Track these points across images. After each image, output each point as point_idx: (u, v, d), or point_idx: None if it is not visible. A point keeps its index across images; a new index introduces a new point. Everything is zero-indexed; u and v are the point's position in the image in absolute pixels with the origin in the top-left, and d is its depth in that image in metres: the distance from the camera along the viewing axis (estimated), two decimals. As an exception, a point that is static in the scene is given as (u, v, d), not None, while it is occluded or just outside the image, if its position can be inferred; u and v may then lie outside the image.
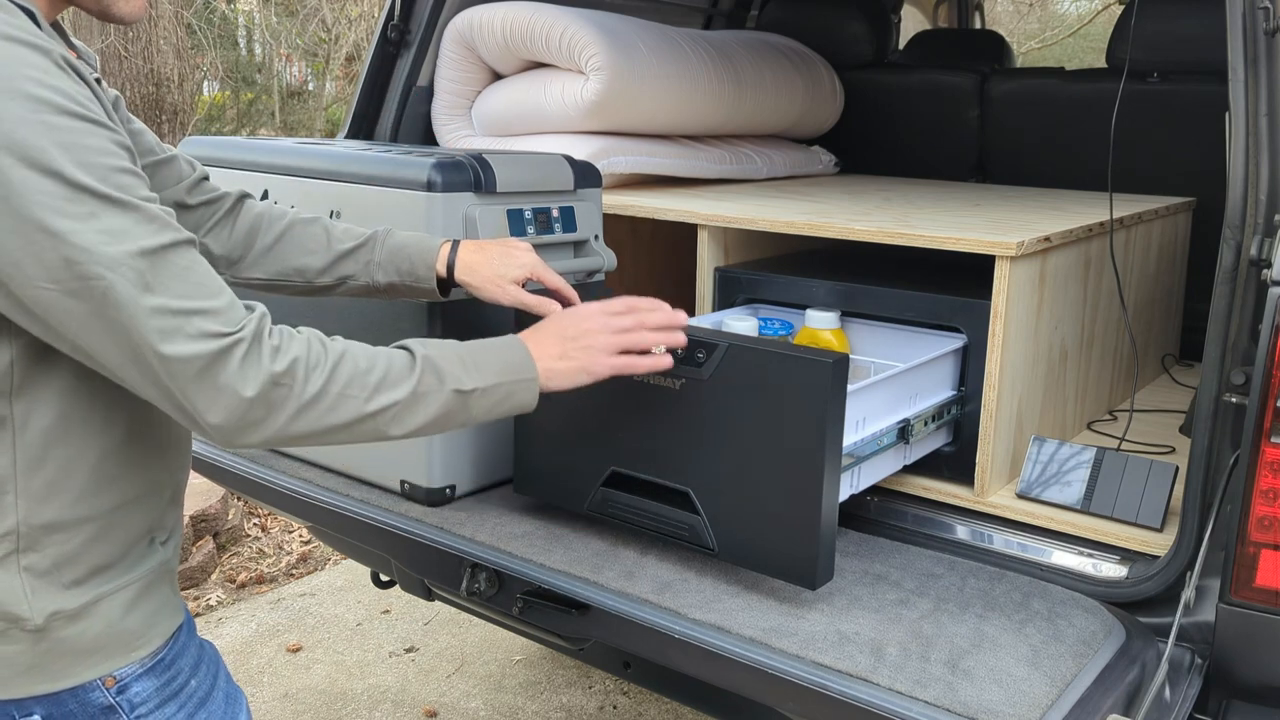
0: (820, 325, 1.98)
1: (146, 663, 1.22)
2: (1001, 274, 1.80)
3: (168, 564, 1.28)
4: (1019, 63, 5.94)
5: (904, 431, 1.79)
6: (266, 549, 3.89)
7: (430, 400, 1.23)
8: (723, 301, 2.17)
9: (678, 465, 1.61)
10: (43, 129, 0.99)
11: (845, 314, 2.04)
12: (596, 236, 2.04)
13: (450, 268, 1.59)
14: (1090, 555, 1.74)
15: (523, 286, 1.59)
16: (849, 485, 1.72)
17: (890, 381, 1.78)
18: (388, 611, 3.48)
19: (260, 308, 1.13)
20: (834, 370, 1.45)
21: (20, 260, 1.00)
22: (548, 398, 1.40)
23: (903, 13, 4.47)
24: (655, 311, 1.46)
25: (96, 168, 1.02)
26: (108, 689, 1.19)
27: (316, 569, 3.82)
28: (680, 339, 1.48)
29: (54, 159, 0.99)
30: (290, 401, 1.11)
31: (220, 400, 1.07)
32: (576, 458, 1.74)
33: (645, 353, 1.45)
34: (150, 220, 1.05)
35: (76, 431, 1.14)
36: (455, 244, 1.61)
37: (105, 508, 1.18)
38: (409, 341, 1.25)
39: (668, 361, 1.47)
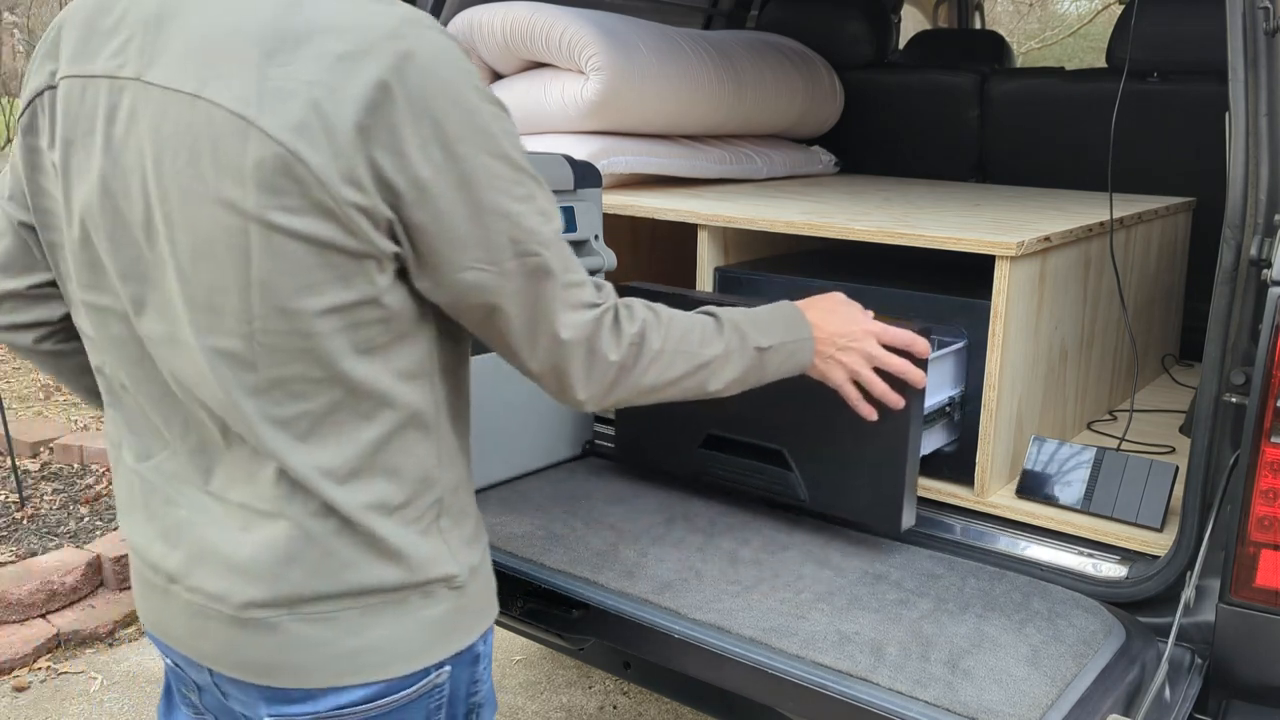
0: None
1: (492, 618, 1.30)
2: (1001, 274, 1.80)
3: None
4: (1019, 63, 5.94)
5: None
6: (266, 549, 3.89)
7: (737, 358, 1.33)
8: (723, 301, 2.16)
9: (771, 427, 1.80)
10: (491, 116, 1.05)
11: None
12: (596, 236, 2.04)
13: None
14: (1090, 555, 1.74)
15: None
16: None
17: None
18: (388, 611, 3.48)
19: (600, 279, 1.22)
20: (923, 336, 1.59)
21: (466, 242, 1.05)
22: None
23: (903, 13, 4.47)
24: (908, 372, 1.55)
25: (521, 150, 1.09)
26: (483, 639, 1.26)
27: (316, 569, 3.82)
28: (897, 401, 1.57)
29: (503, 144, 1.06)
30: (642, 361, 1.21)
31: (595, 367, 1.17)
32: (675, 424, 1.92)
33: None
34: (551, 199, 1.13)
35: (461, 399, 1.21)
36: None
37: (466, 470, 1.25)
38: (708, 308, 1.36)
39: (870, 413, 1.58)
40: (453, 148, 1.02)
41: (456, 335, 1.17)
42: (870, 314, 1.55)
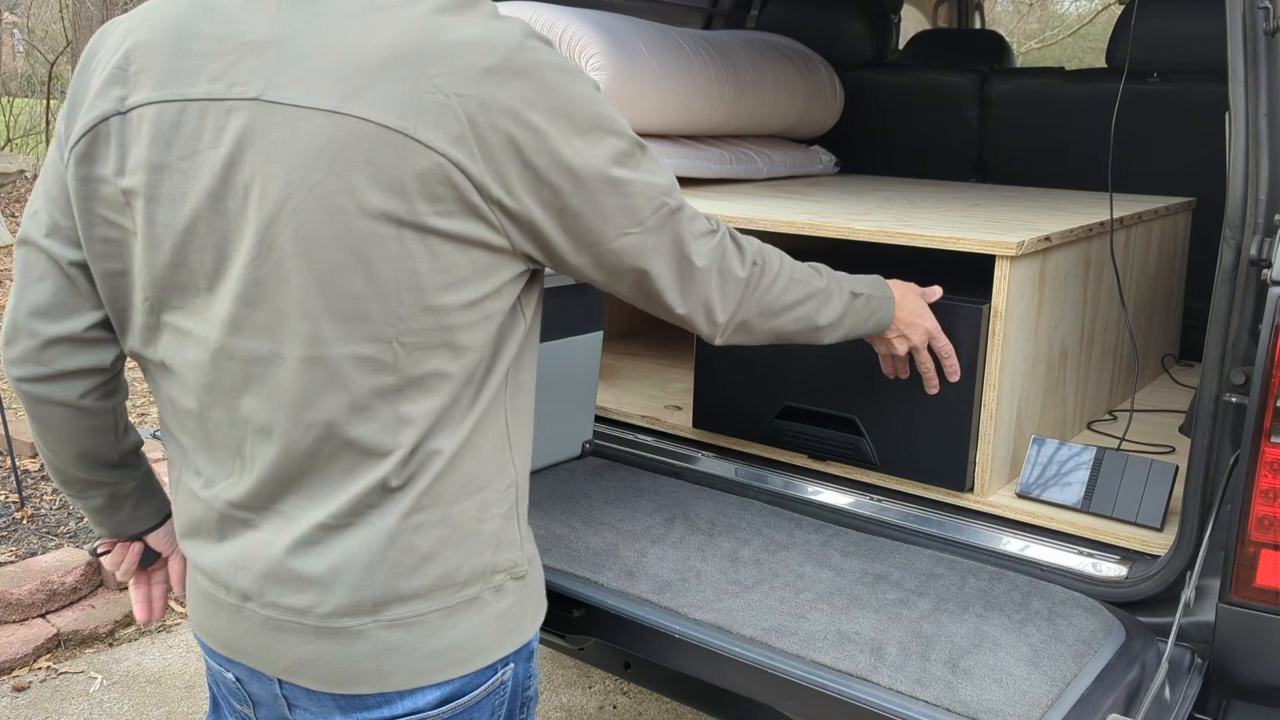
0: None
1: None
2: (1001, 274, 1.80)
3: None
4: (1019, 63, 5.94)
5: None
6: (266, 549, 3.90)
7: (836, 296, 1.47)
8: (723, 301, 2.17)
9: (844, 397, 1.95)
10: (601, 101, 1.14)
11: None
12: (596, 236, 2.05)
13: None
14: (1090, 555, 1.73)
15: None
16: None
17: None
18: (388, 611, 3.48)
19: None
20: (985, 312, 1.79)
21: (614, 214, 1.16)
22: (722, 347, 2.02)
23: (903, 13, 4.47)
24: (948, 359, 1.76)
25: (622, 121, 1.17)
26: (536, 634, 1.28)
27: (316, 569, 3.82)
28: (950, 374, 1.80)
29: (617, 123, 1.15)
30: (765, 279, 1.35)
31: (729, 287, 1.31)
32: (753, 395, 2.07)
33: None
34: (652, 153, 1.23)
35: (531, 384, 1.26)
36: None
37: (528, 455, 1.27)
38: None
39: (935, 386, 1.81)
40: (586, 135, 1.11)
41: (535, 325, 1.24)
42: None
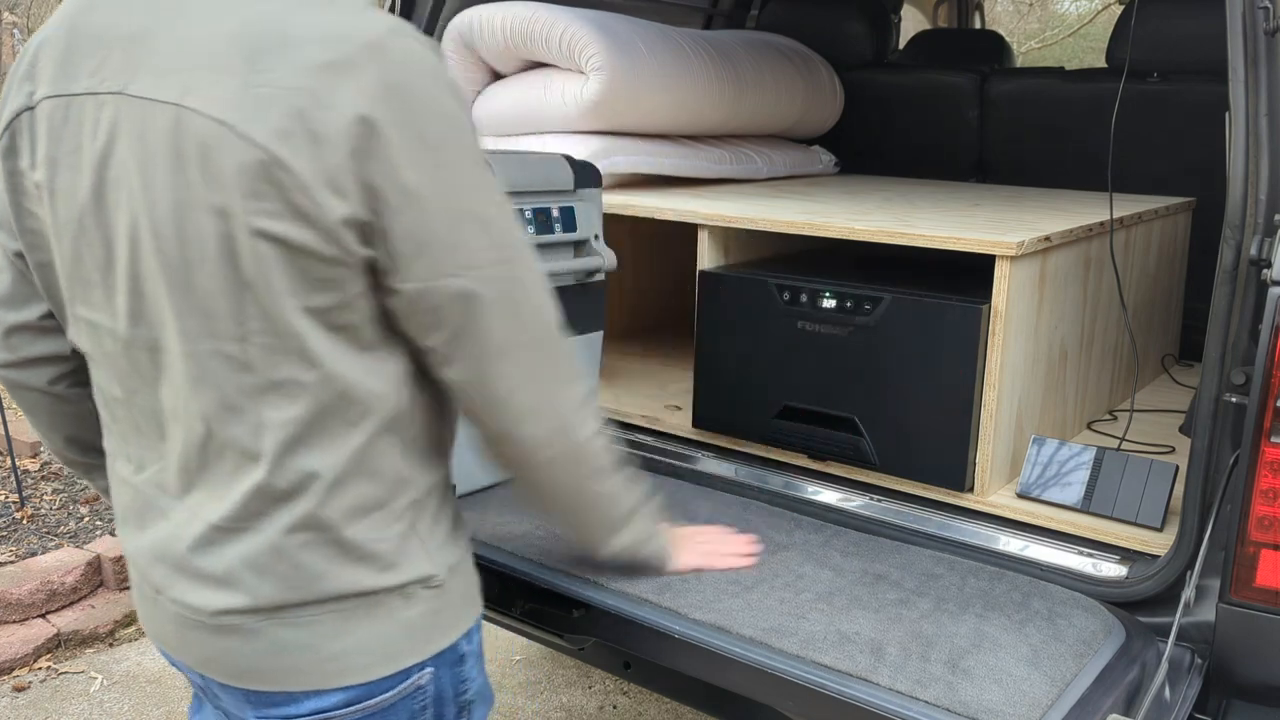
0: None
1: (479, 616, 1.31)
2: (1001, 274, 1.80)
3: None
4: (1019, 63, 5.94)
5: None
6: (266, 549, 3.90)
7: (627, 494, 1.40)
8: (723, 301, 2.17)
9: (844, 397, 1.95)
10: (469, 124, 1.09)
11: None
12: (596, 236, 2.04)
13: None
14: (1090, 555, 1.73)
15: None
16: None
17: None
18: (388, 611, 3.48)
19: None
20: (985, 312, 1.80)
21: (448, 247, 1.08)
22: (725, 346, 2.06)
23: (903, 13, 4.47)
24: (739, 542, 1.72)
25: (481, 151, 1.11)
26: (466, 636, 1.26)
27: (316, 569, 3.82)
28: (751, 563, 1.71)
29: (480, 152, 1.11)
30: (601, 440, 1.28)
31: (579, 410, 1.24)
32: (752, 395, 2.07)
33: None
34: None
35: (440, 398, 1.21)
36: None
37: (446, 469, 1.25)
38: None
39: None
40: (438, 154, 1.04)
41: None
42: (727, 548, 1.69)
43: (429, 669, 1.20)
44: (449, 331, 1.11)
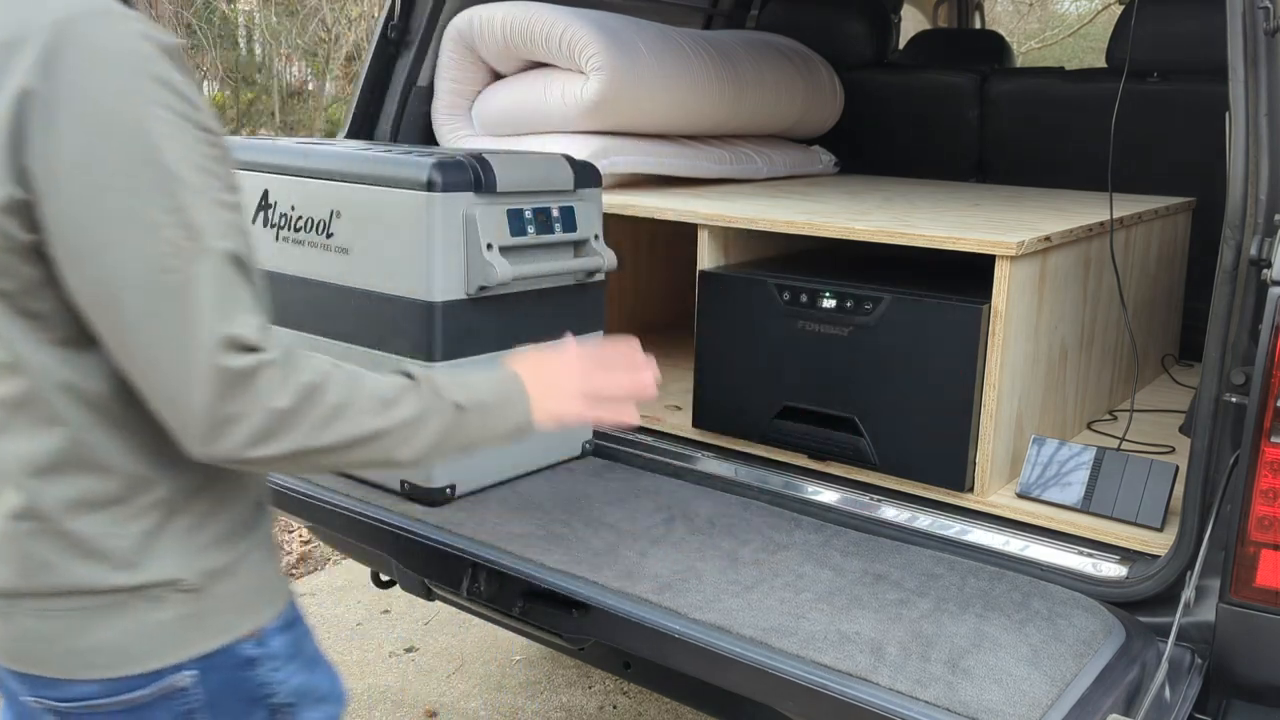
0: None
1: (283, 617, 1.26)
2: (1001, 274, 1.80)
3: (270, 530, 1.32)
4: (1019, 63, 5.94)
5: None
6: (266, 549, 3.90)
7: (433, 417, 1.21)
8: (723, 301, 2.17)
9: (844, 397, 1.95)
10: (158, 117, 1.01)
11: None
12: (596, 236, 2.04)
13: None
14: (1090, 555, 1.73)
15: None
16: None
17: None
18: (388, 611, 3.47)
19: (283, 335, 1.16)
20: (985, 312, 1.80)
21: (94, 247, 1.00)
22: (725, 346, 2.05)
23: (903, 13, 4.47)
24: (632, 372, 1.42)
25: (196, 155, 1.03)
26: (252, 640, 1.22)
27: (316, 569, 3.82)
28: (652, 391, 1.43)
29: (162, 147, 1.01)
30: (315, 413, 1.10)
31: (249, 416, 1.06)
32: (752, 395, 2.07)
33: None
34: (226, 210, 1.06)
35: None
36: None
37: (217, 473, 1.19)
38: (407, 368, 1.25)
39: (634, 421, 1.43)
40: (95, 146, 0.99)
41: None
42: (597, 366, 1.40)
43: (189, 672, 1.18)
44: (104, 331, 1.05)
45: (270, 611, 1.25)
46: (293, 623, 1.29)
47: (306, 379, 1.09)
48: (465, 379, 1.29)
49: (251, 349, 1.05)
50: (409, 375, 1.23)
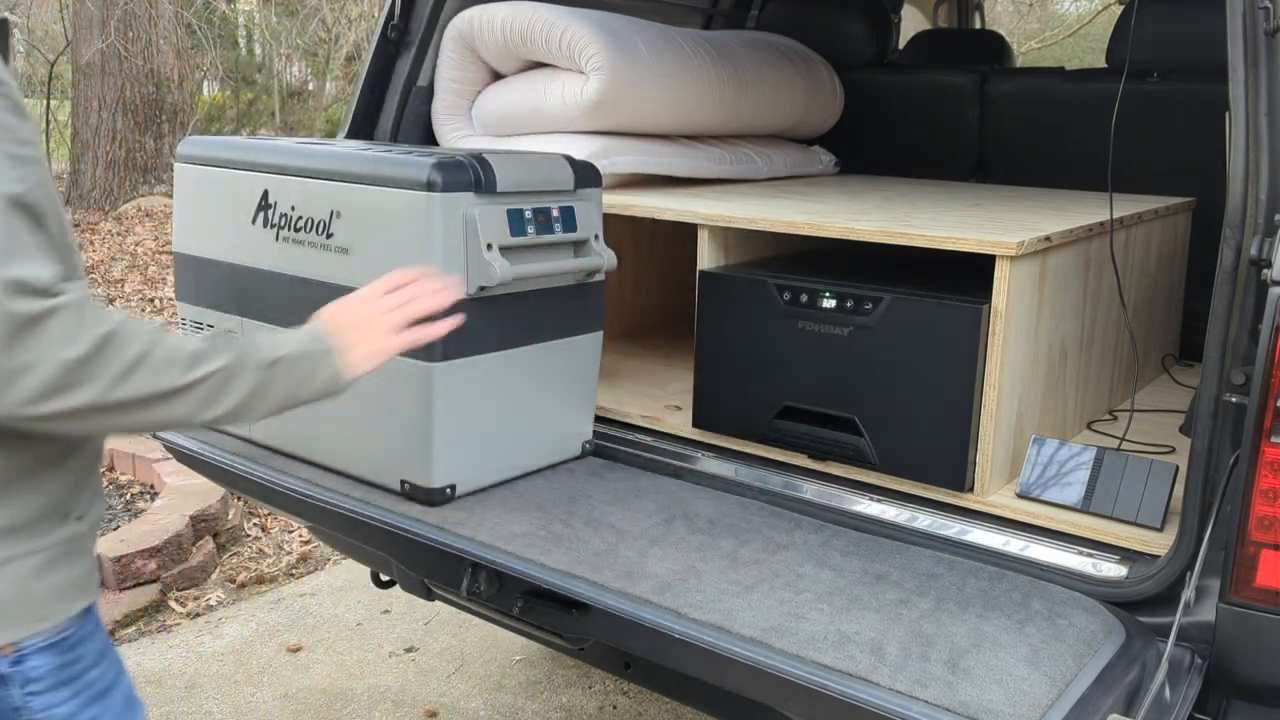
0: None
1: (50, 637, 1.19)
2: (1001, 274, 1.80)
3: (81, 540, 1.25)
4: (1019, 63, 5.94)
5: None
6: (266, 549, 3.89)
7: (239, 376, 1.18)
8: (723, 301, 2.17)
9: (844, 397, 1.96)
10: None
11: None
12: (596, 236, 2.04)
13: None
14: (1090, 555, 1.73)
15: None
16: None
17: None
18: (388, 611, 3.47)
19: (82, 281, 1.10)
20: (985, 312, 1.80)
21: None
22: (725, 346, 2.05)
23: (903, 13, 4.47)
24: (420, 281, 1.42)
25: None
26: (5, 656, 1.16)
27: (316, 569, 3.82)
28: (446, 297, 1.44)
29: None
30: (113, 365, 1.06)
31: (40, 364, 1.02)
32: (752, 396, 2.07)
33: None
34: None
35: None
36: None
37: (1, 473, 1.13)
38: (212, 331, 1.23)
39: (440, 330, 1.45)
40: None
41: None
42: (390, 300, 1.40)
43: None
44: None
45: (36, 627, 1.17)
46: (75, 644, 1.22)
47: (104, 329, 1.05)
48: (274, 339, 1.26)
49: (40, 294, 1.01)
50: (214, 334, 1.20)
